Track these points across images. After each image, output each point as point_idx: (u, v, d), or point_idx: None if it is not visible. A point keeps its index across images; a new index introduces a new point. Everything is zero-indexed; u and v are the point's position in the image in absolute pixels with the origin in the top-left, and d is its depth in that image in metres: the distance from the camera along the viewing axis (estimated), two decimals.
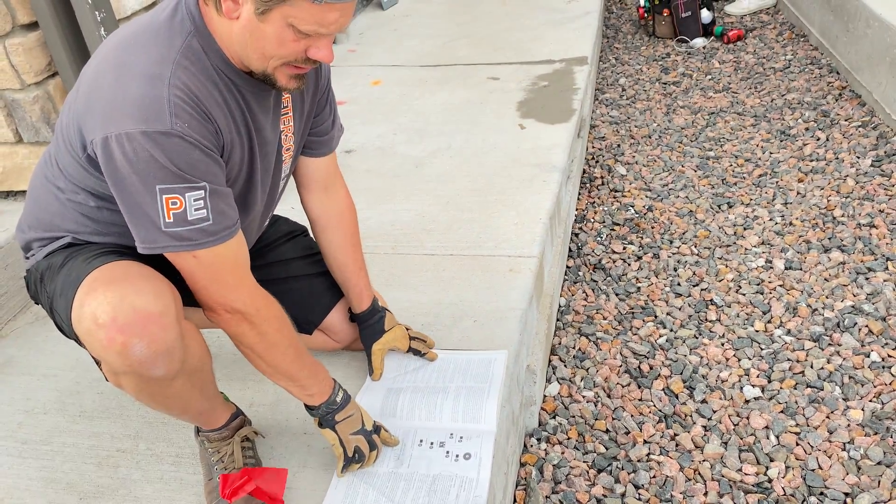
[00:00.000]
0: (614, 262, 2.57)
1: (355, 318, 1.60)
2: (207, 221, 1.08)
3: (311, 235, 1.62)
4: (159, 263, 1.19)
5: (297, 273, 1.59)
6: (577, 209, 2.89)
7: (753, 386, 1.97)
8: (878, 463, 1.71)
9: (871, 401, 1.88)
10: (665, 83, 3.98)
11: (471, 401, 1.51)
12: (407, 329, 1.64)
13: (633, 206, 2.87)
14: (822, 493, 1.67)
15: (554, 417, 1.95)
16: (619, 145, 3.37)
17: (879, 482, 1.66)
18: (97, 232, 1.23)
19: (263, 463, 1.43)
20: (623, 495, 1.72)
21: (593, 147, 3.38)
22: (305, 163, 1.47)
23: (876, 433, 1.78)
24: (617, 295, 2.40)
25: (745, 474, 1.73)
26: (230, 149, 1.16)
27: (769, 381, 1.98)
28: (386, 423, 1.48)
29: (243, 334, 1.18)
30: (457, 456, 1.40)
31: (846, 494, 1.65)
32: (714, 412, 1.90)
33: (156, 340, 1.07)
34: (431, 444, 1.43)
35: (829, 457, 1.74)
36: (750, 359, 2.06)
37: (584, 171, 3.16)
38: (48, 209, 1.24)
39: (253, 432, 1.40)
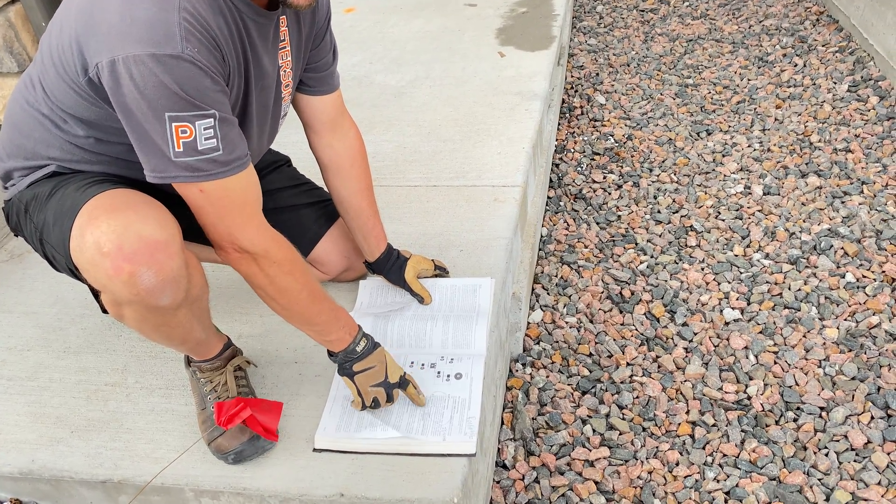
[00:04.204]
0: (595, 191, 2.57)
1: (376, 263, 1.58)
2: (218, 151, 1.05)
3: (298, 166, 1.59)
4: (154, 193, 1.16)
5: (284, 204, 1.57)
6: (557, 139, 2.87)
7: (733, 308, 2.01)
8: (853, 378, 1.77)
9: (845, 319, 1.93)
10: (643, 10, 3.92)
11: (460, 327, 1.52)
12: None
13: (612, 136, 2.86)
14: (798, 408, 1.73)
15: (538, 343, 1.98)
16: (597, 74, 3.33)
17: (853, 396, 1.73)
18: (85, 160, 1.19)
19: (256, 392, 1.43)
20: (607, 415, 1.77)
21: (572, 76, 3.34)
22: (310, 103, 1.43)
23: (850, 350, 1.84)
24: (598, 224, 2.41)
25: (726, 392, 1.78)
26: (232, 79, 1.12)
27: (748, 304, 2.02)
28: None
29: (253, 275, 1.16)
30: (448, 376, 1.42)
31: (821, 409, 1.72)
32: (695, 334, 1.95)
33: (163, 269, 1.05)
34: (423, 365, 1.44)
35: (806, 374, 1.80)
36: (729, 282, 2.10)
37: (563, 101, 3.13)
38: (31, 136, 1.19)
39: (245, 362, 1.40)
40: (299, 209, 1.59)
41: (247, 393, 1.37)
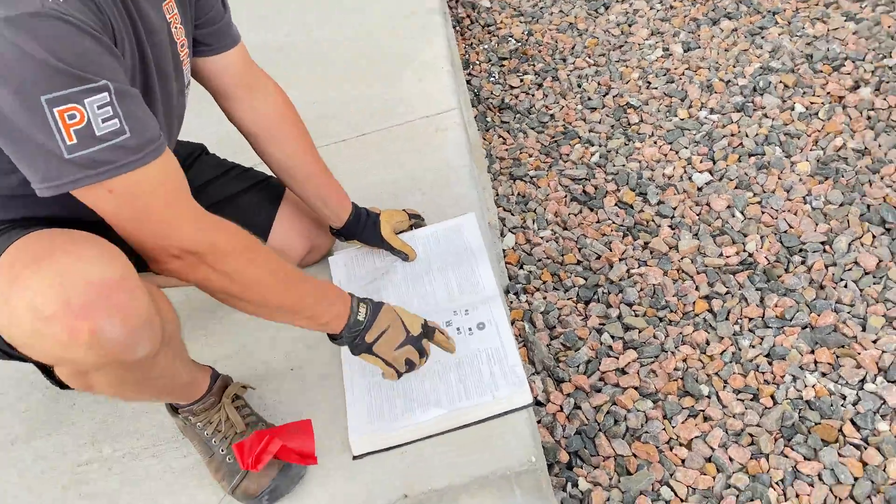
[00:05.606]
0: (517, 97, 2.42)
1: (346, 227, 1.37)
2: (124, 135, 0.80)
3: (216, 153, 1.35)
4: (84, 227, 0.90)
5: (219, 197, 1.32)
6: (458, 55, 2.68)
7: (700, 172, 1.93)
8: (841, 205, 1.73)
9: (811, 150, 1.89)
10: None
11: (461, 273, 1.36)
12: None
13: (511, 37, 2.70)
14: (801, 250, 1.68)
15: (521, 268, 1.85)
16: None
17: (848, 222, 1.69)
18: None
19: (262, 416, 1.23)
20: (619, 317, 1.66)
21: None
22: (215, 64, 1.19)
23: (827, 178, 1.80)
24: (533, 129, 2.27)
25: (727, 257, 1.71)
26: (120, 39, 0.86)
27: (714, 163, 1.95)
28: None
29: (206, 279, 0.93)
30: (469, 329, 1.26)
31: (823, 243, 1.67)
32: (674, 209, 1.86)
33: (129, 313, 0.81)
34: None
35: (795, 214, 1.75)
36: (687, 147, 2.01)
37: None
38: None
39: (241, 387, 1.18)
40: (237, 198, 1.36)
41: (254, 421, 1.17)
